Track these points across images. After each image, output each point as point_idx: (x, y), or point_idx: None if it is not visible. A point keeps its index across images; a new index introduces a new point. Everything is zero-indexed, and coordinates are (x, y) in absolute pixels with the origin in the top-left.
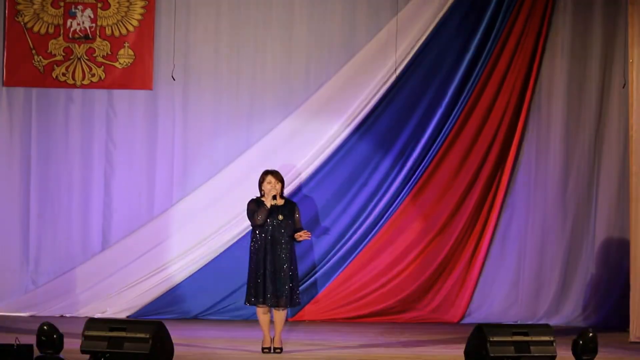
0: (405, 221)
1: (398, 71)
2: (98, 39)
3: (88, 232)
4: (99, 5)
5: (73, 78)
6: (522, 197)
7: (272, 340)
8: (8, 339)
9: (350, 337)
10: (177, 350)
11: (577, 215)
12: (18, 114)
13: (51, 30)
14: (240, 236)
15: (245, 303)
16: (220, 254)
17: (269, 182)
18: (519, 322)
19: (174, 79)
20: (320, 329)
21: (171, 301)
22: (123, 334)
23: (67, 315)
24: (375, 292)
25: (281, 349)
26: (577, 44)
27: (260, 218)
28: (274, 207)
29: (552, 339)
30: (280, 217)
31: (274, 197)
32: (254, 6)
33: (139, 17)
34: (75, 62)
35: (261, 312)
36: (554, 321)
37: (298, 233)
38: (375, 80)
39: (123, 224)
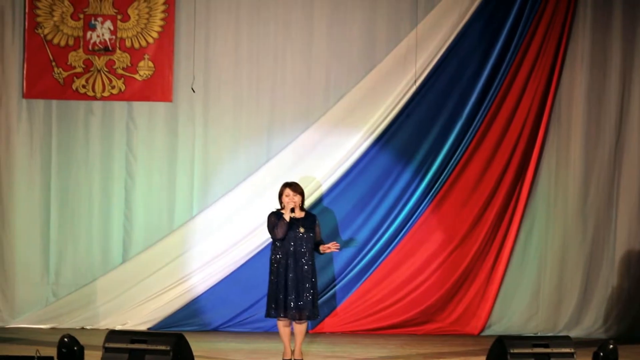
0: (425, 233)
1: (418, 82)
2: (118, 51)
3: (108, 244)
4: (119, 17)
5: (93, 90)
6: (543, 208)
7: (293, 352)
8: (29, 351)
9: (371, 349)
10: None
11: (597, 225)
12: (38, 126)
13: (71, 43)
14: (260, 248)
15: (265, 316)
16: (241, 265)
17: (287, 195)
18: (539, 334)
19: (193, 91)
20: (341, 341)
21: (192, 313)
22: (144, 346)
23: (88, 327)
24: (395, 304)
25: None
26: (597, 53)
27: (280, 231)
28: (295, 220)
29: (572, 350)
30: (302, 229)
31: (292, 210)
32: (273, 18)
33: (159, 29)
34: (95, 74)
35: (282, 325)
36: (574, 333)
37: (326, 245)
38: (395, 91)
39: (143, 236)
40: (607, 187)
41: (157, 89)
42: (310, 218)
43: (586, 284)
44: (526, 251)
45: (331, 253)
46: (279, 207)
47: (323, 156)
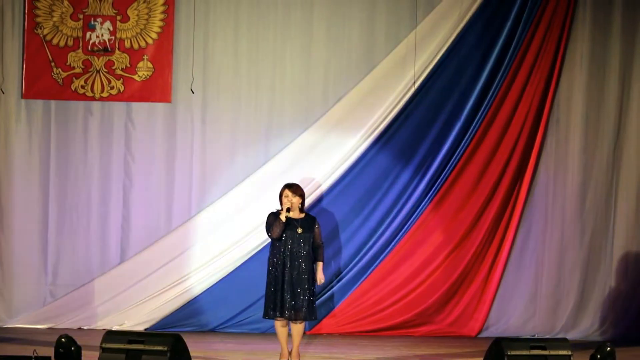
0: (423, 234)
1: (417, 84)
2: (117, 51)
3: (106, 244)
4: (118, 18)
5: (92, 90)
6: (541, 210)
7: (290, 353)
8: (26, 351)
9: (368, 350)
10: None
11: (595, 228)
12: (37, 126)
13: (70, 43)
14: (258, 249)
15: (263, 316)
16: (239, 266)
17: (286, 196)
18: (536, 336)
19: (192, 92)
20: (338, 343)
21: (189, 314)
22: (141, 346)
23: (85, 327)
24: (392, 306)
25: None
26: (596, 56)
27: (276, 231)
28: (294, 221)
29: (569, 353)
30: (300, 230)
31: (288, 210)
32: (272, 19)
33: (158, 29)
34: (94, 75)
35: (279, 325)
36: (571, 335)
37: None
38: (394, 93)
39: (141, 236)
40: (605, 189)
41: (156, 89)
42: (309, 219)
43: (584, 286)
44: (524, 253)
45: (329, 254)
46: (279, 207)
47: (322, 157)
